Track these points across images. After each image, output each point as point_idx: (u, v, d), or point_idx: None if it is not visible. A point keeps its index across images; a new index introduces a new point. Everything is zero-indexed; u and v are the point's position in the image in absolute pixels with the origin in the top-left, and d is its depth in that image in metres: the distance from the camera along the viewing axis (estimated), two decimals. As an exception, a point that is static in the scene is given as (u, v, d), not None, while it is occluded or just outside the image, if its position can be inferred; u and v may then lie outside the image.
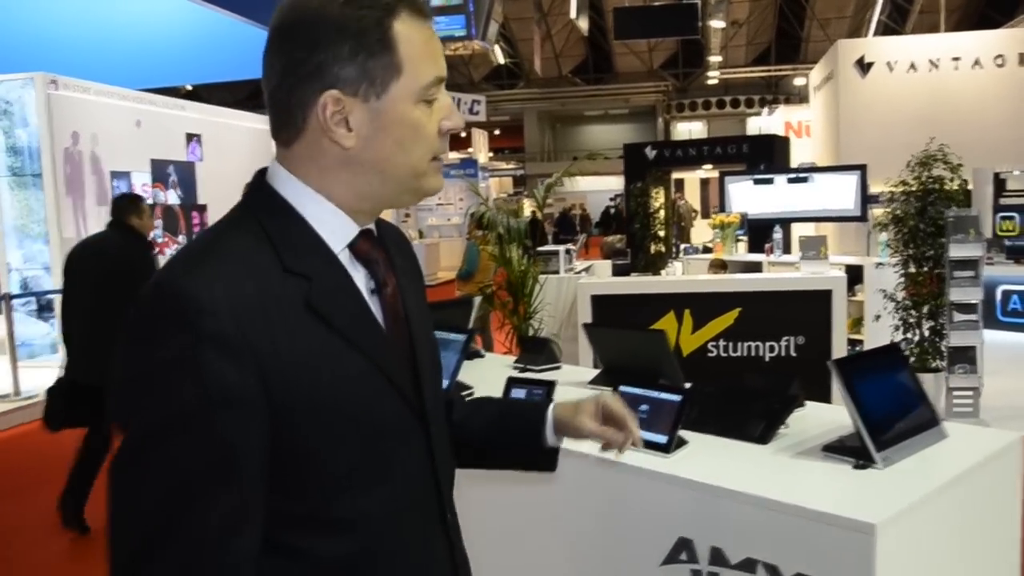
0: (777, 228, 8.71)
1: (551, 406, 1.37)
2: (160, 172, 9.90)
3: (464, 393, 2.62)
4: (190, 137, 10.52)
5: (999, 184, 9.67)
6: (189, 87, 20.94)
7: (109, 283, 4.32)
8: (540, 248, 7.66)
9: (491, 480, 1.95)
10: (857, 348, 6.52)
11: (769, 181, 9.24)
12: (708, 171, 15.76)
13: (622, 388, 2.07)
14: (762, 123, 20.45)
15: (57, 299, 8.38)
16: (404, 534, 1.10)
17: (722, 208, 9.54)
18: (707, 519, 1.82)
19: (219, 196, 10.43)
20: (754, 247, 9.20)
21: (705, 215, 17.25)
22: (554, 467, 1.39)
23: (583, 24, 20.14)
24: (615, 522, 2.03)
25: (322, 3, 1.03)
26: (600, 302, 5.49)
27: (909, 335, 5.77)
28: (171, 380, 0.93)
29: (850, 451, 1.84)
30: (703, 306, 5.41)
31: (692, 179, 19.06)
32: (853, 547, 1.56)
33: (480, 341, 6.90)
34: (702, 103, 31.09)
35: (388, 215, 1.23)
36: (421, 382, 1.13)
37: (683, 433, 2.05)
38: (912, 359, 5.73)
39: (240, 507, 0.96)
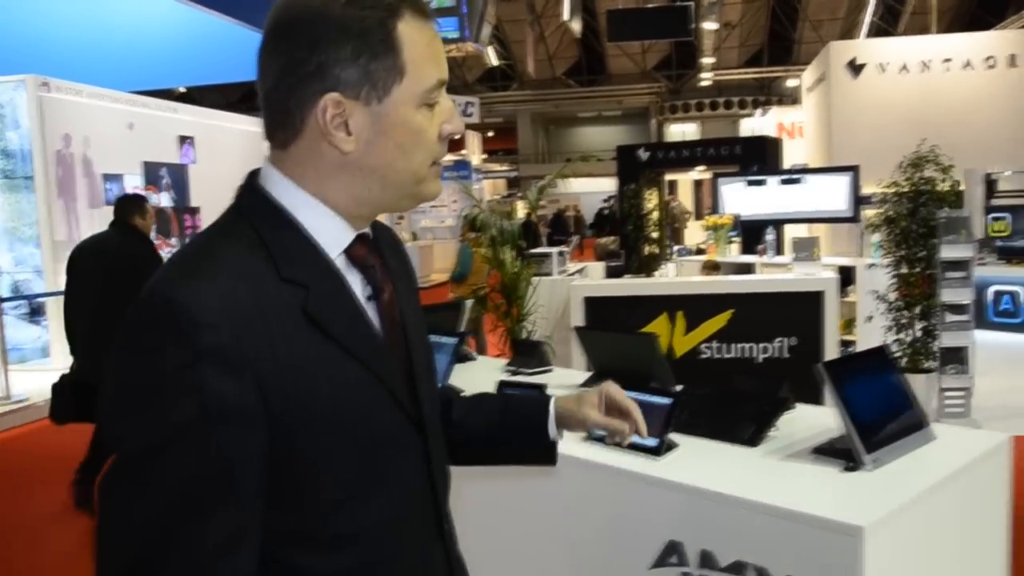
0: (770, 229, 8.72)
1: (552, 399, 1.36)
2: (153, 175, 9.88)
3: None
4: (183, 139, 10.50)
5: (990, 185, 9.70)
6: (182, 89, 20.91)
7: (113, 282, 4.32)
8: (532, 250, 7.66)
9: (479, 484, 1.95)
10: (850, 349, 6.54)
11: (762, 182, 9.25)
12: (701, 172, 15.78)
13: (612, 391, 2.06)
14: (755, 124, 20.46)
15: (48, 302, 8.38)
16: (401, 544, 1.08)
17: (715, 210, 9.55)
18: (697, 522, 1.82)
19: (212, 198, 10.41)
20: (747, 248, 9.22)
21: (698, 216, 17.26)
22: (554, 460, 1.37)
23: (576, 26, 20.18)
24: (605, 525, 2.03)
25: (324, 2, 1.00)
26: (593, 304, 5.50)
27: (901, 336, 5.79)
28: (168, 395, 0.90)
29: (839, 453, 1.85)
30: (696, 307, 5.43)
31: (685, 180, 19.08)
32: (841, 549, 1.56)
33: (473, 344, 6.90)
34: (695, 104, 31.13)
35: (382, 217, 1.21)
36: (418, 389, 1.12)
37: (673, 436, 2.05)
38: (904, 360, 5.75)
39: (238, 525, 0.93)
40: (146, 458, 0.90)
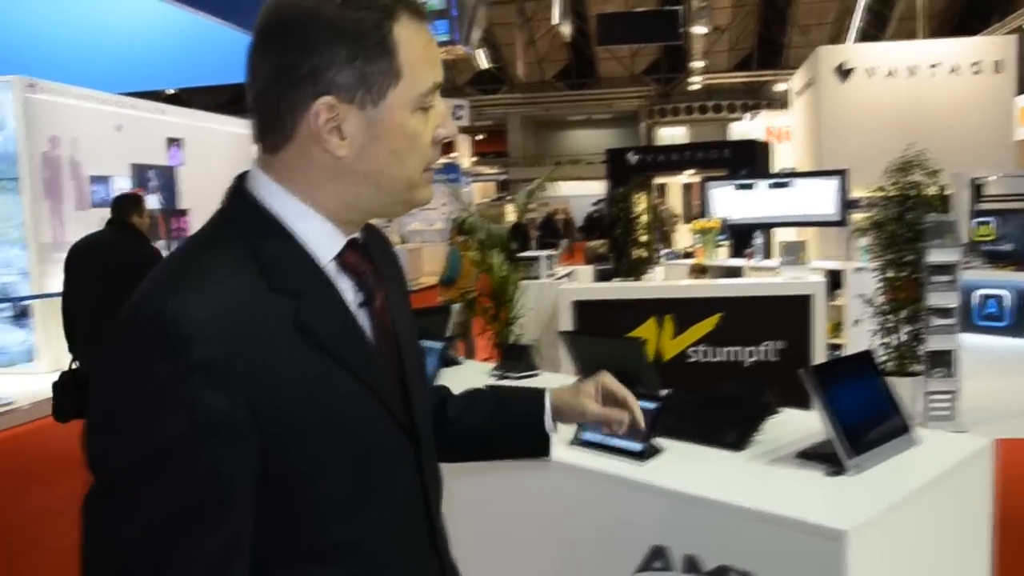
0: (758, 233, 8.75)
1: (548, 392, 1.36)
2: (141, 177, 9.84)
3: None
4: (171, 141, 10.46)
5: (976, 189, 9.76)
6: (171, 91, 20.84)
7: (112, 280, 4.33)
8: (521, 254, 7.66)
9: (465, 488, 1.95)
10: (838, 352, 6.56)
11: (750, 186, 9.28)
12: (691, 176, 15.83)
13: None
14: (744, 128, 20.54)
15: (35, 305, 8.33)
16: (395, 554, 1.07)
17: (703, 213, 9.58)
18: (681, 527, 1.82)
19: (201, 201, 10.37)
20: (736, 252, 9.25)
21: (688, 220, 17.31)
22: (549, 453, 1.37)
23: (566, 30, 20.22)
24: (590, 530, 2.03)
25: (317, 3, 0.97)
26: (581, 308, 5.51)
27: (888, 339, 5.81)
28: (158, 411, 0.87)
29: (823, 458, 1.85)
30: (684, 311, 5.44)
31: (675, 184, 19.12)
32: (825, 554, 1.57)
33: (462, 347, 6.90)
34: (685, 108, 31.21)
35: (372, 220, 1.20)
36: (410, 396, 1.10)
37: (658, 441, 2.05)
38: (891, 363, 5.78)
39: (230, 541, 0.92)
40: (135, 476, 0.88)
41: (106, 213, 8.20)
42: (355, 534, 1.02)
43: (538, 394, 1.36)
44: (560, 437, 2.07)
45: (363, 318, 1.06)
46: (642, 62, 31.60)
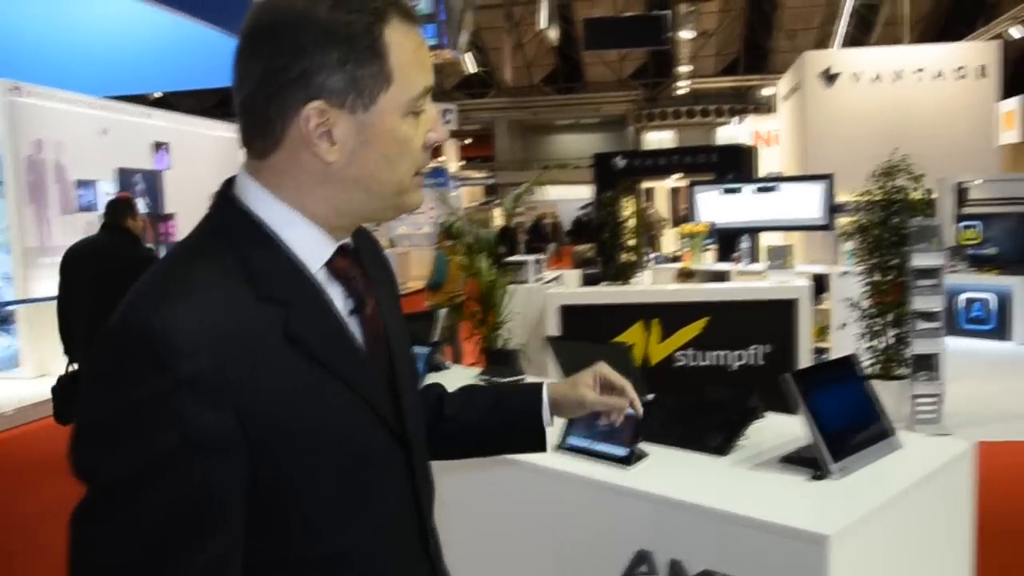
0: (745, 237, 8.78)
1: (544, 386, 1.36)
2: (126, 181, 9.79)
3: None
4: (157, 145, 10.41)
5: (961, 194, 9.83)
6: (157, 94, 20.75)
7: (109, 282, 4.32)
8: (508, 258, 7.66)
9: (448, 493, 1.95)
10: (824, 356, 6.59)
11: (737, 190, 9.32)
12: (678, 180, 15.87)
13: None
14: (731, 133, 20.62)
15: (19, 310, 8.27)
16: (387, 562, 1.06)
17: (690, 217, 9.61)
18: (666, 531, 1.83)
19: (187, 205, 10.33)
20: (723, 256, 9.27)
21: (675, 224, 17.35)
22: (545, 447, 1.38)
23: (553, 34, 20.26)
24: (574, 536, 2.03)
25: (308, 5, 0.95)
26: (568, 312, 5.52)
27: (874, 343, 5.84)
28: (147, 426, 0.86)
29: (807, 462, 1.86)
30: (671, 315, 5.46)
31: (662, 188, 19.17)
32: (808, 558, 1.57)
33: (450, 352, 6.89)
34: (672, 112, 31.29)
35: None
36: (401, 402, 1.09)
37: (643, 445, 2.06)
38: (877, 367, 5.81)
39: (221, 556, 0.91)
40: (124, 491, 0.87)
41: (91, 217, 8.20)
42: (347, 543, 1.01)
43: (534, 388, 1.36)
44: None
45: (354, 325, 1.05)
46: (629, 66, 31.67)
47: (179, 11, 7.37)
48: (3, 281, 8.42)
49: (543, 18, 18.46)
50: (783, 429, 2.14)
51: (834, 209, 8.57)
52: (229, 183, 1.05)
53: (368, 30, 0.97)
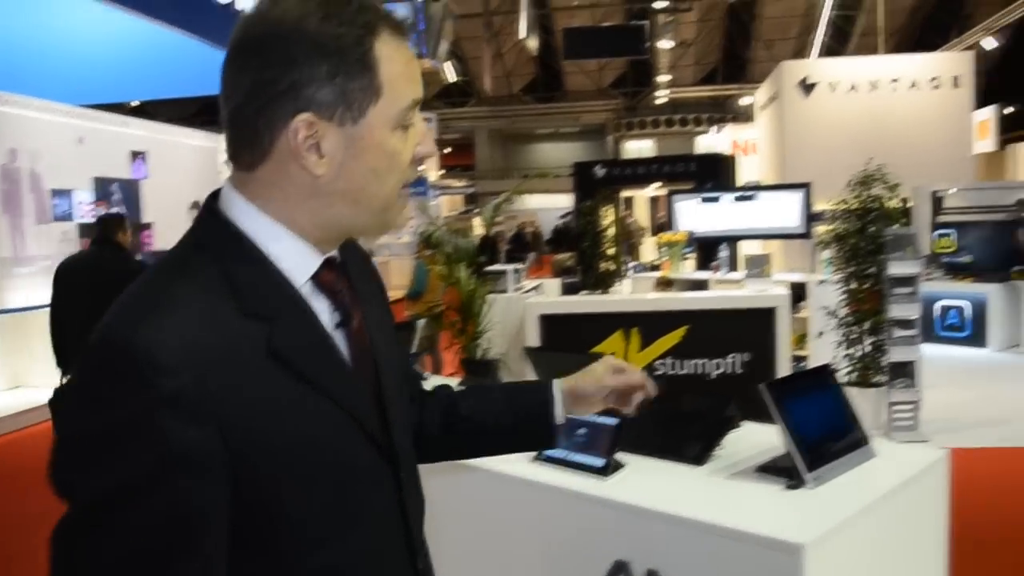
0: (723, 246, 8.83)
1: (554, 383, 1.37)
2: (103, 190, 9.71)
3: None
4: (135, 154, 10.34)
5: (936, 202, 9.94)
6: (135, 103, 20.61)
7: (101, 295, 4.31)
8: (488, 267, 7.66)
9: (428, 505, 1.93)
10: (802, 364, 6.63)
11: (716, 199, 9.37)
12: (657, 189, 15.94)
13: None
14: (710, 141, 20.76)
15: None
16: None
17: (669, 226, 9.65)
18: (643, 542, 1.83)
19: (165, 214, 10.26)
20: (703, 265, 9.32)
21: (655, 233, 17.43)
22: (555, 444, 1.39)
23: (532, 44, 20.32)
24: (552, 546, 2.03)
25: (298, 17, 0.95)
26: (548, 321, 5.52)
27: (852, 351, 5.88)
28: (127, 444, 0.85)
29: (782, 471, 1.87)
30: (651, 324, 5.46)
31: (642, 197, 19.26)
32: (783, 567, 1.58)
33: (429, 362, 6.88)
34: (651, 121, 31.45)
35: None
36: (388, 419, 1.08)
37: (621, 456, 2.06)
38: (854, 374, 5.85)
39: (204, 574, 0.90)
40: (105, 508, 0.86)
41: (67, 227, 8.14)
42: (333, 560, 1.00)
43: (545, 386, 1.37)
44: (523, 456, 2.08)
45: (340, 339, 1.04)
46: (609, 76, 31.82)
47: (157, 19, 7.32)
48: (-23, 292, 8.32)
49: (523, 28, 18.52)
50: (760, 438, 2.15)
51: (812, 218, 8.64)
52: (214, 196, 1.04)
53: (358, 43, 0.97)
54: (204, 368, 0.88)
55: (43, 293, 7.65)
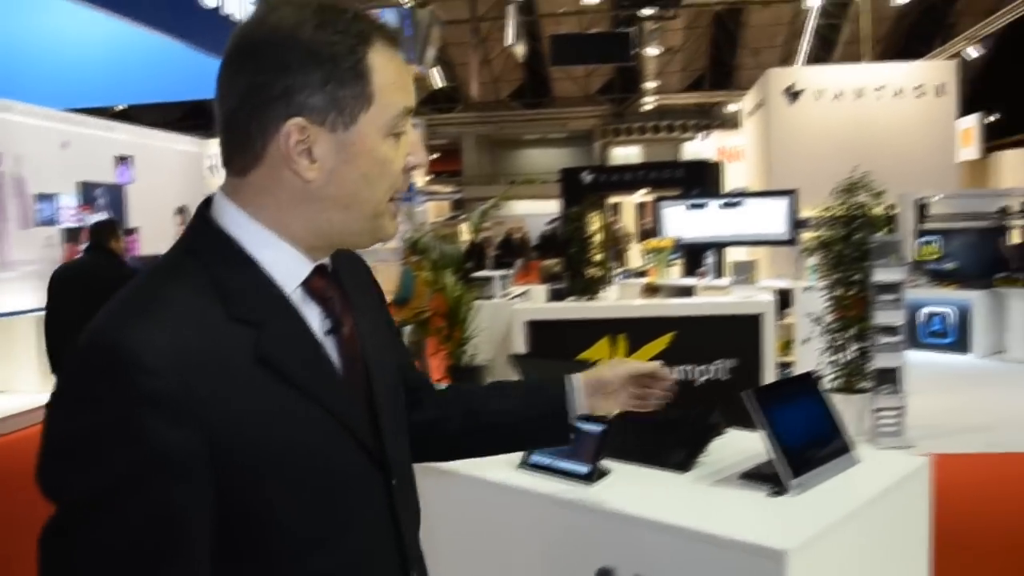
0: (710, 252, 8.86)
1: (571, 379, 1.40)
2: (88, 195, 9.65)
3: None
4: (120, 159, 10.28)
5: (921, 209, 10.00)
6: (120, 107, 20.51)
7: (94, 300, 4.31)
8: (474, 273, 7.67)
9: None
10: (788, 370, 6.65)
11: (702, 206, 9.41)
12: (644, 195, 15.98)
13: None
14: (696, 148, 20.84)
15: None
16: None
17: (656, 232, 9.68)
18: (628, 548, 1.83)
19: (150, 219, 10.21)
20: (690, 271, 9.34)
21: (641, 239, 17.47)
22: (569, 440, 1.42)
23: (519, 50, 20.36)
24: (537, 553, 2.02)
25: (294, 24, 0.97)
26: (535, 327, 5.52)
27: (837, 357, 5.91)
28: (109, 444, 0.86)
29: (766, 478, 1.87)
30: (637, 330, 5.48)
31: (628, 203, 19.30)
32: (766, 573, 1.58)
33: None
34: (638, 128, 31.55)
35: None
36: (380, 426, 1.08)
37: (606, 462, 2.06)
38: (840, 380, 5.87)
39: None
40: (88, 509, 0.86)
41: (51, 232, 8.10)
42: (323, 566, 1.00)
43: (561, 383, 1.40)
44: (508, 460, 2.08)
45: (330, 346, 1.04)
46: (596, 82, 31.90)
47: (142, 23, 7.29)
48: (-41, 297, 8.24)
49: (510, 34, 18.55)
50: (744, 445, 2.15)
51: (798, 224, 8.68)
52: (207, 203, 1.05)
53: (352, 52, 0.99)
54: (190, 371, 0.89)
55: (27, 298, 7.65)
